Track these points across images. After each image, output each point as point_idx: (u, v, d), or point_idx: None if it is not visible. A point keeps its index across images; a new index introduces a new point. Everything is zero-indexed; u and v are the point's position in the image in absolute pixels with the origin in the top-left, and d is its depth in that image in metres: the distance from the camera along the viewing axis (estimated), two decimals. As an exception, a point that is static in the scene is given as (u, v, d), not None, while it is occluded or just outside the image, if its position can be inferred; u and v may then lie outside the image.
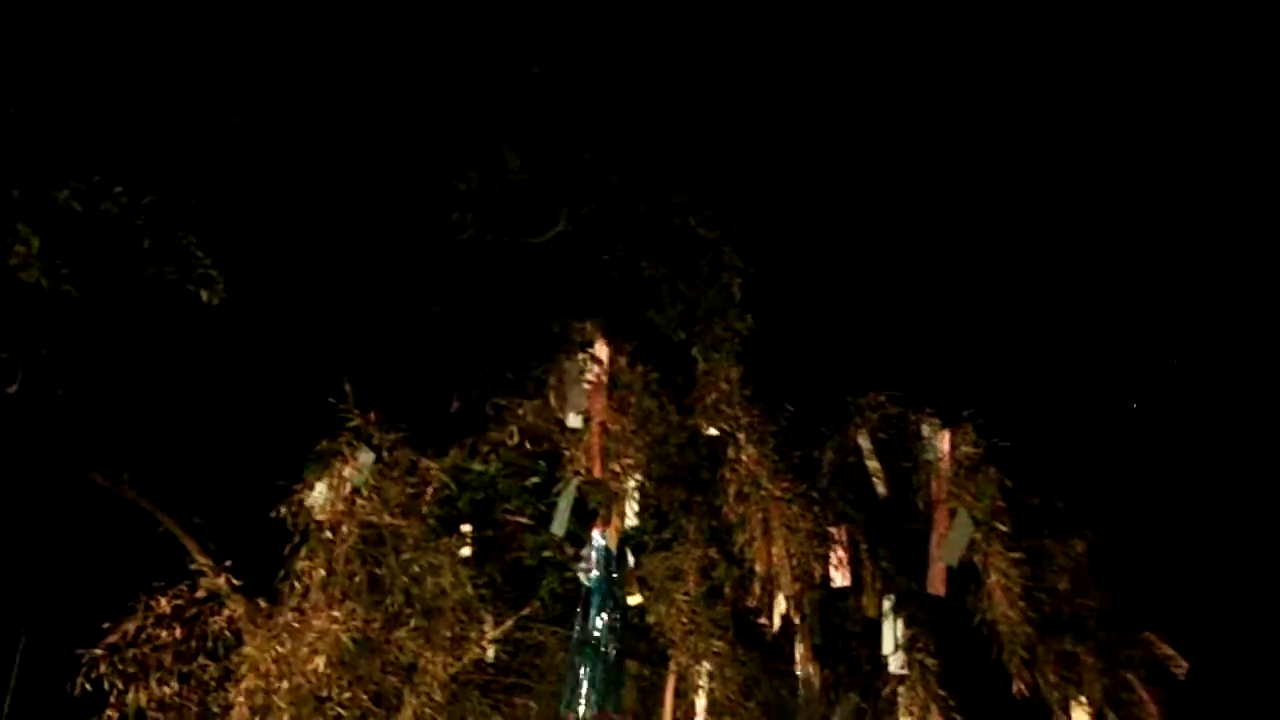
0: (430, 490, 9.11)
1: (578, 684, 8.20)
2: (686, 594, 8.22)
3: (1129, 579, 8.56)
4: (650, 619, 8.54)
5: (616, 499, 8.00)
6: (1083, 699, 8.07)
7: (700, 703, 8.09)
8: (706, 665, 8.08)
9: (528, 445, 8.72)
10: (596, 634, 8.15)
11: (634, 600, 8.39)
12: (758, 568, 7.77)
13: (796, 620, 8.16)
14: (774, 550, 7.65)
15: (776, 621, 8.03)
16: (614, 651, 8.15)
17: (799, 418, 8.26)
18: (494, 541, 9.41)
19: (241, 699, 8.44)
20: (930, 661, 7.75)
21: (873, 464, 8.29)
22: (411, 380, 9.45)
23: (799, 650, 8.22)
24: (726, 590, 8.41)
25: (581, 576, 8.37)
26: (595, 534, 8.23)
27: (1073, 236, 10.49)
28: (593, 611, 8.20)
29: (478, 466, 9.04)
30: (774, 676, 8.57)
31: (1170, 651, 8.65)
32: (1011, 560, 7.72)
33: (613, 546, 8.12)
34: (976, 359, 9.62)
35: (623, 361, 8.31)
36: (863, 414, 8.38)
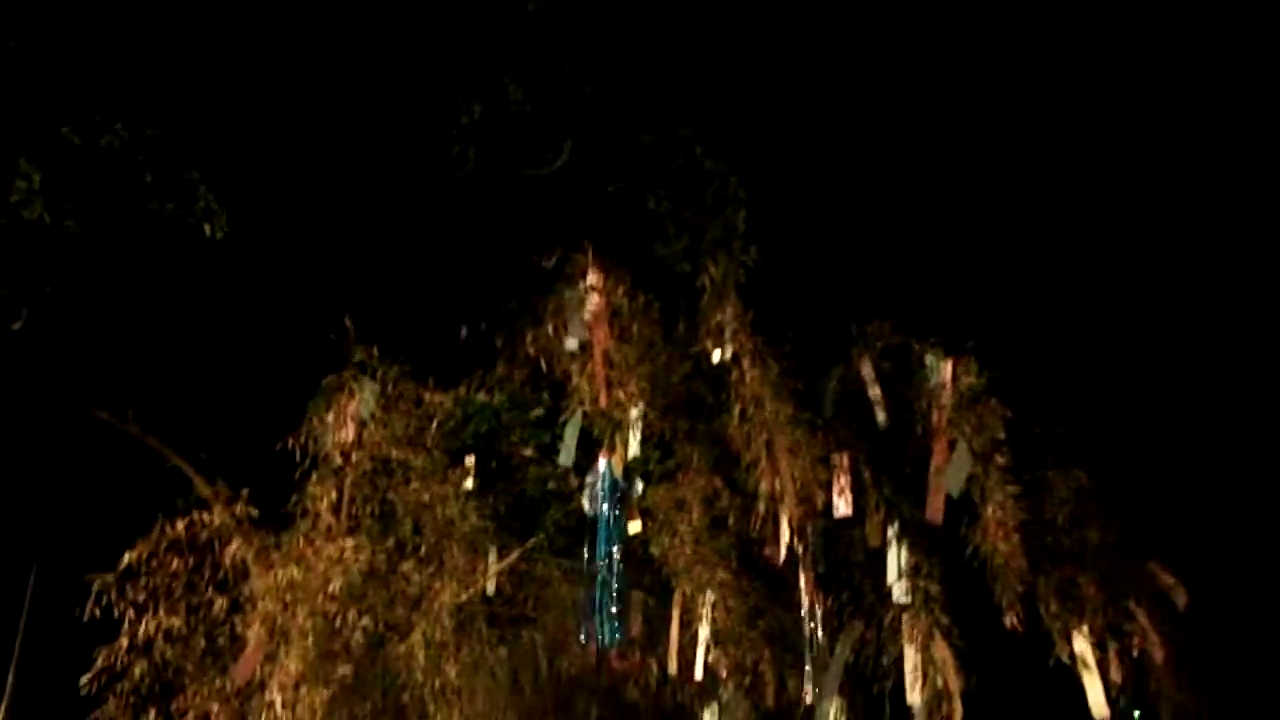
0: (435, 423, 9.18)
1: (589, 614, 8.30)
2: (690, 524, 8.28)
3: (1132, 509, 8.59)
4: (654, 550, 8.62)
5: (620, 428, 8.03)
6: (1084, 629, 8.16)
7: (704, 632, 8.19)
8: (710, 595, 8.16)
9: (531, 377, 8.73)
10: (603, 563, 8.22)
11: (634, 528, 8.45)
12: (761, 488, 7.80)
13: (800, 550, 8.23)
14: (778, 472, 7.67)
15: (781, 551, 8.10)
16: (620, 581, 8.23)
17: (803, 347, 8.27)
18: (498, 474, 9.49)
19: (256, 623, 8.55)
20: (934, 589, 7.83)
21: (874, 392, 8.32)
22: (416, 314, 9.46)
23: (803, 580, 8.29)
24: (731, 521, 8.48)
25: (586, 506, 8.43)
26: (600, 462, 8.27)
27: (1079, 164, 10.40)
28: (600, 541, 8.27)
29: (482, 399, 9.08)
30: (778, 607, 8.67)
31: (1171, 581, 8.74)
32: (1009, 494, 7.77)
33: (618, 475, 8.16)
34: (982, 289, 9.60)
35: (624, 291, 8.29)
36: (866, 342, 8.37)
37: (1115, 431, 8.65)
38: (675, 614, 8.41)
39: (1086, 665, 8.03)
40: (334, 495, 8.80)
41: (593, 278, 8.22)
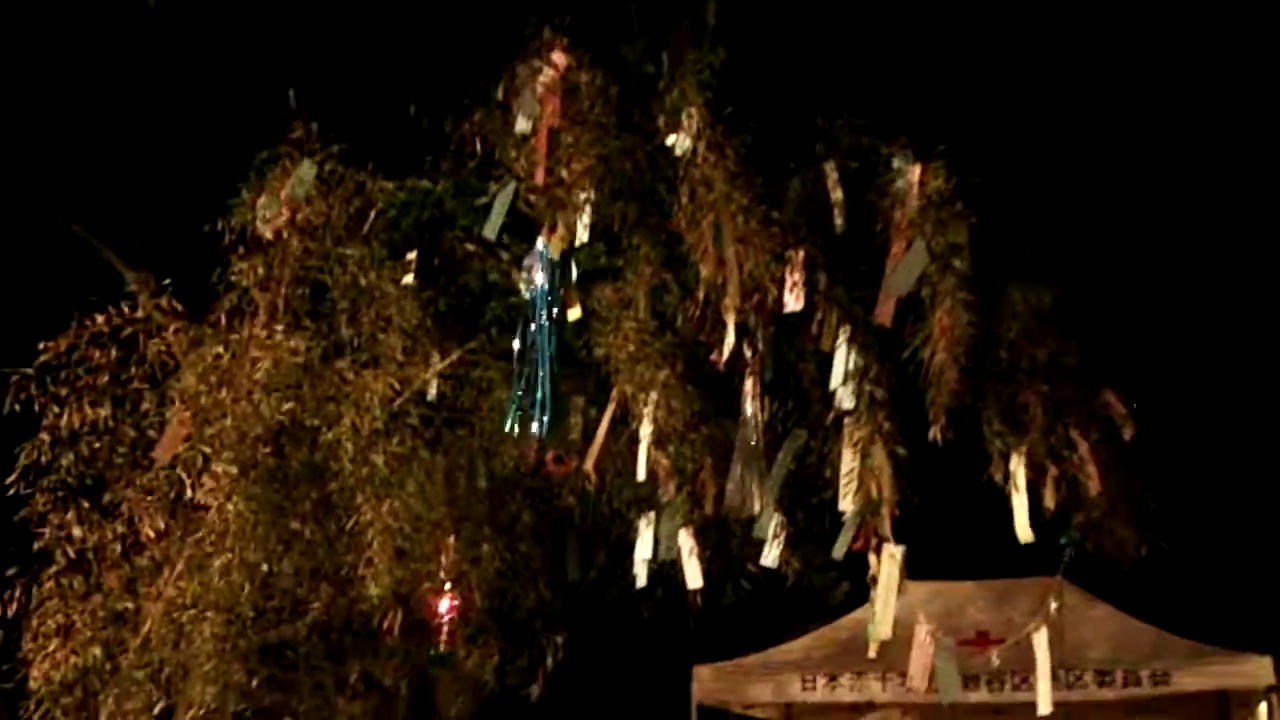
0: (375, 211, 8.77)
1: (516, 401, 8.02)
2: (636, 322, 7.95)
3: (1091, 336, 8.27)
4: (598, 351, 8.31)
5: (562, 208, 7.64)
6: (1022, 449, 7.84)
7: (645, 430, 7.92)
8: (652, 395, 7.86)
9: (481, 166, 8.29)
10: (535, 348, 7.90)
11: (574, 314, 8.11)
12: (703, 272, 7.45)
13: (748, 355, 7.94)
14: (724, 256, 7.31)
15: (726, 349, 7.79)
16: (553, 367, 7.91)
17: (766, 146, 7.85)
18: (441, 270, 9.12)
19: (177, 402, 8.25)
20: (879, 394, 7.53)
21: (836, 194, 7.94)
22: (362, 92, 9.00)
23: (748, 386, 8.02)
24: (679, 321, 8.15)
25: (522, 288, 8.07)
26: (539, 242, 7.90)
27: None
28: (533, 324, 7.92)
29: (425, 185, 8.68)
30: (722, 413, 8.39)
31: (1123, 412, 8.49)
32: (960, 300, 7.43)
33: (555, 255, 7.79)
34: (960, 92, 9.23)
35: (582, 72, 7.82)
36: (832, 142, 7.95)
37: (1085, 252, 8.31)
38: (610, 410, 8.10)
39: (1018, 487, 7.79)
40: (262, 277, 8.43)
41: (549, 56, 7.72)
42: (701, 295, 7.57)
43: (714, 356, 7.95)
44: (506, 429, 8.21)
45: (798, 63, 8.62)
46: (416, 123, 8.86)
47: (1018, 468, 7.72)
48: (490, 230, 7.97)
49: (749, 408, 8.01)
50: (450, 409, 9.22)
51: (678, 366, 8.02)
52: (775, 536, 8.26)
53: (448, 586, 9.08)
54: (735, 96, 8.04)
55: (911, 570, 8.01)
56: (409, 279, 8.85)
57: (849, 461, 7.43)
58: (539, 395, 7.92)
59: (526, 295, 7.98)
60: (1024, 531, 7.79)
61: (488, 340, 9.02)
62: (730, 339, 7.70)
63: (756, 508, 8.07)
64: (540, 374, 7.90)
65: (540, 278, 7.81)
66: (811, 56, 8.73)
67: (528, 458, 9.03)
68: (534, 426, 8.02)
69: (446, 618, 9.13)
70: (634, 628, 9.98)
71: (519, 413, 8.06)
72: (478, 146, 8.37)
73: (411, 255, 8.91)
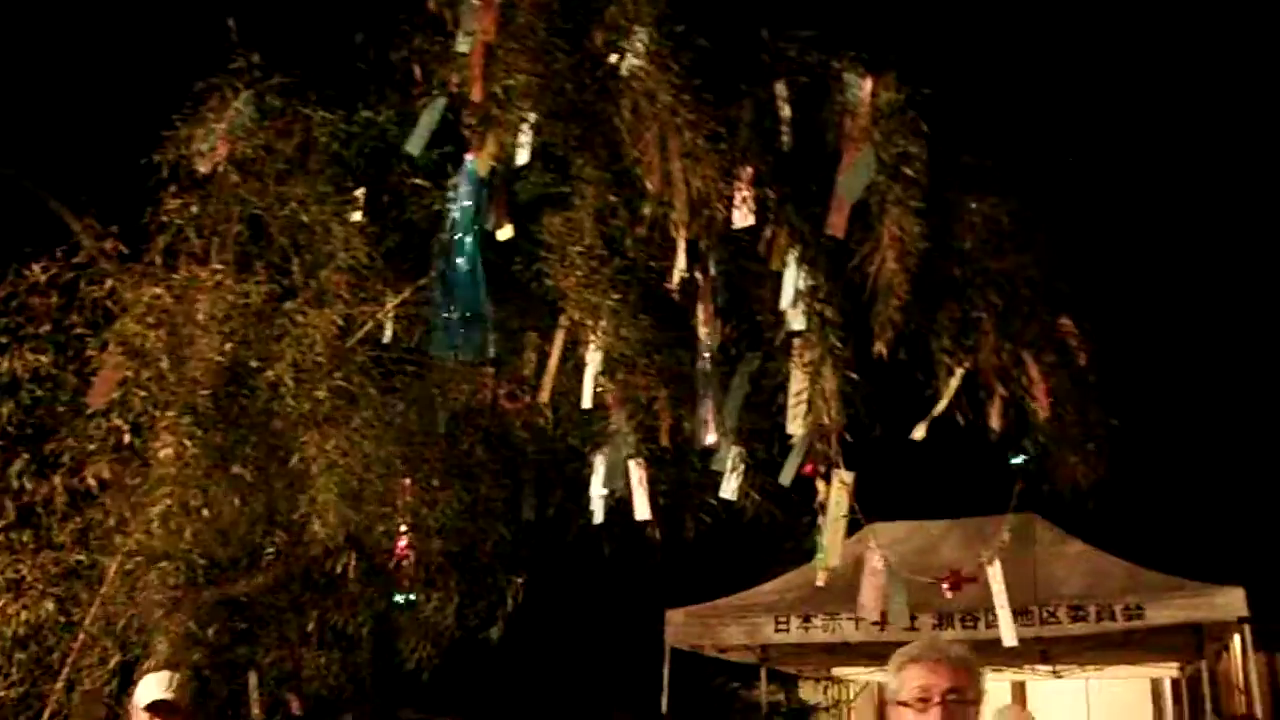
0: (319, 143, 8.50)
1: (442, 323, 7.74)
2: (583, 248, 7.69)
3: (1048, 254, 7.96)
4: (549, 282, 8.05)
5: (495, 125, 7.35)
6: (964, 365, 7.44)
7: (594, 357, 7.67)
8: (602, 321, 7.61)
9: (419, 85, 8.01)
10: (460, 266, 7.61)
11: (503, 234, 7.83)
12: (649, 188, 7.19)
13: (700, 280, 7.70)
14: (670, 171, 7.03)
15: (676, 275, 7.55)
16: (478, 290, 7.63)
17: (715, 65, 7.55)
18: (389, 207, 8.86)
19: (115, 351, 8.01)
20: (830, 313, 7.27)
21: (785, 112, 7.65)
22: (304, 23, 8.70)
23: (700, 312, 7.77)
24: (628, 247, 7.89)
25: (450, 208, 7.78)
26: (466, 159, 7.60)
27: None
28: (456, 245, 7.63)
29: (367, 114, 8.40)
30: (678, 344, 8.14)
31: (1075, 334, 8.20)
32: (913, 209, 7.14)
33: (482, 172, 7.50)
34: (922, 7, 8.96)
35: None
36: (780, 56, 7.63)
37: (1048, 168, 7.98)
38: (558, 339, 7.85)
39: (943, 395, 7.52)
40: (198, 215, 8.17)
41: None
42: (648, 214, 7.28)
43: (666, 283, 7.70)
44: (432, 351, 7.95)
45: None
46: (362, 52, 8.56)
47: (954, 383, 7.43)
48: (414, 146, 7.67)
49: (702, 333, 7.77)
50: (403, 349, 8.98)
51: (630, 295, 7.76)
52: (734, 469, 8.06)
53: (403, 529, 8.89)
54: (683, 13, 7.75)
55: (885, 508, 7.83)
56: (356, 215, 8.58)
57: (798, 382, 7.17)
58: (462, 315, 7.63)
59: (453, 213, 7.69)
60: (919, 429, 7.54)
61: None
62: (681, 261, 7.45)
63: (712, 438, 7.86)
64: (462, 294, 7.60)
65: (465, 194, 7.51)
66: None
67: (481, 395, 8.81)
68: (453, 345, 7.72)
69: (402, 561, 8.93)
70: (602, 569, 9.79)
71: (446, 335, 7.79)
72: (418, 72, 8.09)
73: (359, 191, 8.64)
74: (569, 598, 10.96)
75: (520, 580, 9.46)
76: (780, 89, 7.51)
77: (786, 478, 7.44)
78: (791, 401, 7.20)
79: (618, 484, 7.74)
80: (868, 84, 7.36)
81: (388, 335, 8.84)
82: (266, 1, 8.60)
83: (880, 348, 7.08)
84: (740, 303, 7.88)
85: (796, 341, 7.28)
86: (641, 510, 7.81)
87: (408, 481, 8.81)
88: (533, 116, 7.32)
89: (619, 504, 8.26)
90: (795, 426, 7.21)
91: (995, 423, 7.59)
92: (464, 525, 9.27)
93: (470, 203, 7.51)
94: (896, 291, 7.00)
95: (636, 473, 7.77)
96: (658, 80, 7.21)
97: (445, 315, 7.74)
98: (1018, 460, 7.81)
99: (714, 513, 8.60)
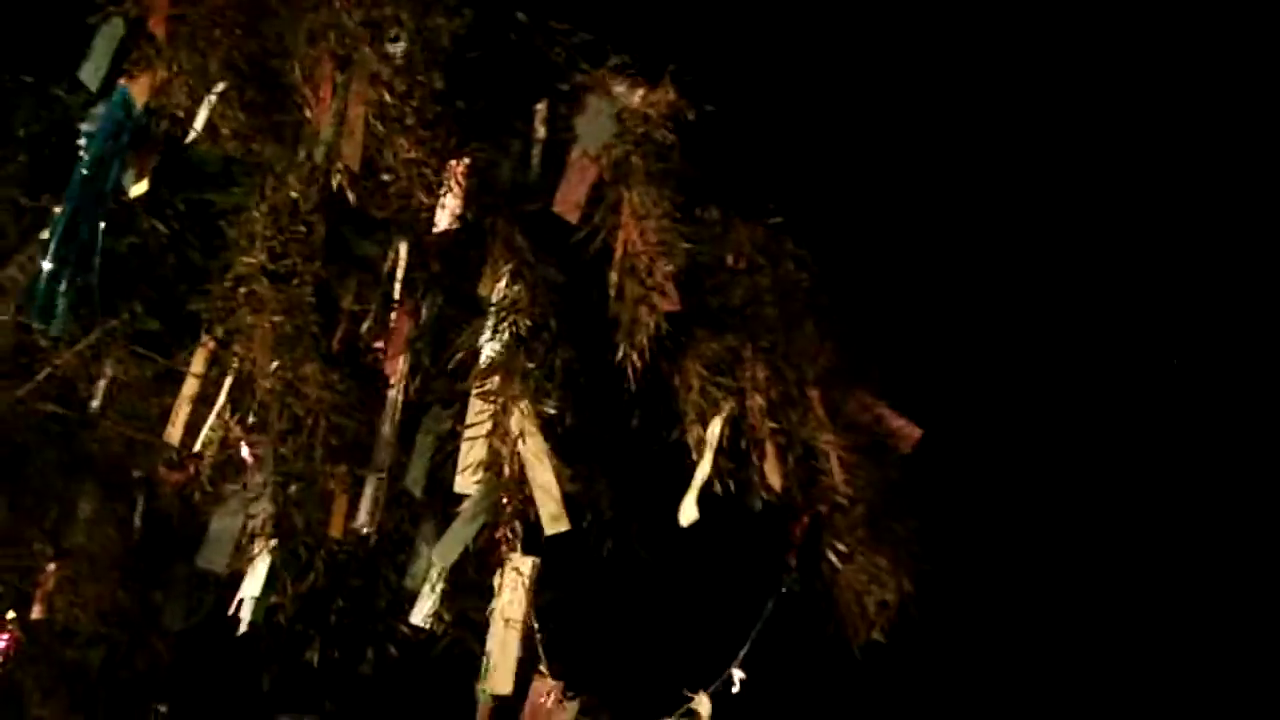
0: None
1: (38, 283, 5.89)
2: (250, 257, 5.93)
3: (843, 298, 6.13)
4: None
5: (163, 56, 5.71)
6: (726, 413, 5.43)
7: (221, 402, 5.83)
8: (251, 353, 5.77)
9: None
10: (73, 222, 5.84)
11: (137, 189, 6.04)
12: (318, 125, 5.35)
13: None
14: (348, 115, 5.27)
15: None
16: (91, 251, 5.83)
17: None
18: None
19: None
20: (524, 326, 5.41)
21: (540, 133, 6.07)
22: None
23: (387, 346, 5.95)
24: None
25: (83, 139, 6.01)
26: (120, 84, 5.86)
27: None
28: (76, 191, 5.87)
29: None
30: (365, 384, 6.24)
31: (874, 381, 6.30)
32: (664, 211, 5.34)
33: (138, 104, 5.77)
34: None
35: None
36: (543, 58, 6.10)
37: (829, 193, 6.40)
38: (190, 384, 6.03)
39: (703, 454, 5.38)
40: None
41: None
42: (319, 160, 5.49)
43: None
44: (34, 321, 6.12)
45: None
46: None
47: (717, 433, 5.41)
48: (89, 77, 6.03)
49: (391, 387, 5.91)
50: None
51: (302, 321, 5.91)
52: (431, 583, 5.89)
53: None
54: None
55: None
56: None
57: (473, 418, 5.24)
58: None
59: (83, 144, 5.96)
60: (689, 511, 5.40)
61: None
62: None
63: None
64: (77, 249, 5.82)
65: (104, 129, 5.84)
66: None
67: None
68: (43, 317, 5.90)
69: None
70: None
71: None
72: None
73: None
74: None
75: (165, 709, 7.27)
76: (540, 109, 5.92)
77: (442, 561, 5.38)
78: (463, 450, 5.25)
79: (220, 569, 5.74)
80: (637, 94, 5.75)
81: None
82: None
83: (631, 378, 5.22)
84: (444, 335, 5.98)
85: (476, 366, 5.37)
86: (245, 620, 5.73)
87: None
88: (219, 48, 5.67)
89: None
90: (466, 484, 5.22)
91: (775, 479, 5.56)
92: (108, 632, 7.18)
93: (109, 141, 5.83)
94: (645, 311, 5.20)
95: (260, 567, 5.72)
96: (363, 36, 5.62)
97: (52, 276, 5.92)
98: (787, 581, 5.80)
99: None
